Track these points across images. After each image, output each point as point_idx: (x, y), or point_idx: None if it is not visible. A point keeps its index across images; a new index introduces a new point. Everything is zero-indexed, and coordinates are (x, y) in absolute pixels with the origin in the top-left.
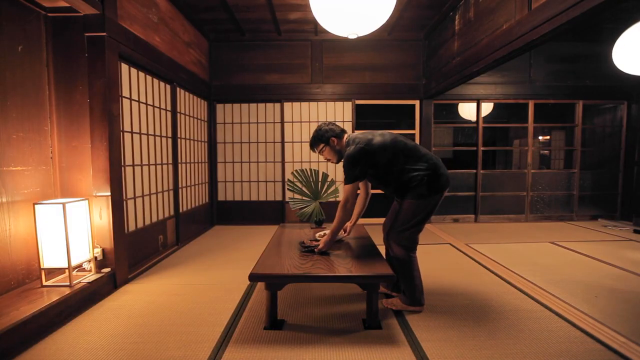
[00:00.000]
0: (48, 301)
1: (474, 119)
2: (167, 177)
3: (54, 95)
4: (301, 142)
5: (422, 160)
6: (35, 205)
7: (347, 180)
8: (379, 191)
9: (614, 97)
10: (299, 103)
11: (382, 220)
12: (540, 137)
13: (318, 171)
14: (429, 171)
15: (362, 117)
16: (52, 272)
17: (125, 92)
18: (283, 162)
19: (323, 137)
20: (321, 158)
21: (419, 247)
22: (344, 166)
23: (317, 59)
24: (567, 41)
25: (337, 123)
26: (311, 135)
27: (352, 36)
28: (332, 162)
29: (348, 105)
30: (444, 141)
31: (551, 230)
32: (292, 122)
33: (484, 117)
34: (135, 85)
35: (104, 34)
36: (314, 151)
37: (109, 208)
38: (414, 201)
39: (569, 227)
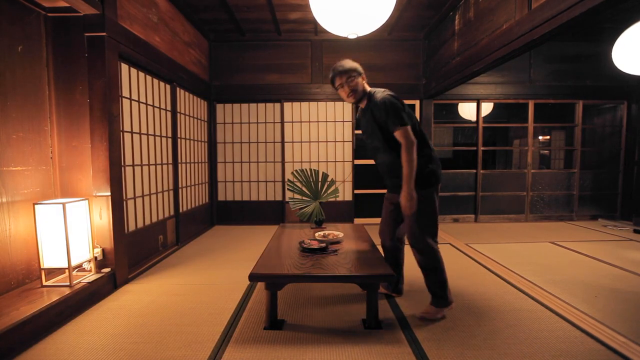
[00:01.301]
0: (48, 301)
1: (474, 119)
2: (167, 177)
3: (54, 95)
4: (301, 142)
5: (428, 146)
6: (35, 205)
7: (403, 120)
8: (379, 191)
9: (614, 97)
10: (299, 103)
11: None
12: (540, 137)
13: (318, 171)
14: (432, 159)
15: None
16: (52, 272)
17: (125, 92)
18: (283, 162)
19: (358, 69)
20: (321, 158)
21: None
22: (390, 109)
23: (317, 59)
24: (567, 41)
25: (336, 123)
26: (341, 64)
27: (352, 36)
28: (350, 99)
29: (348, 105)
30: (444, 141)
31: (551, 230)
32: (292, 122)
33: (484, 117)
34: (135, 85)
35: (104, 34)
36: (337, 80)
37: (109, 208)
38: (422, 192)
39: (569, 227)
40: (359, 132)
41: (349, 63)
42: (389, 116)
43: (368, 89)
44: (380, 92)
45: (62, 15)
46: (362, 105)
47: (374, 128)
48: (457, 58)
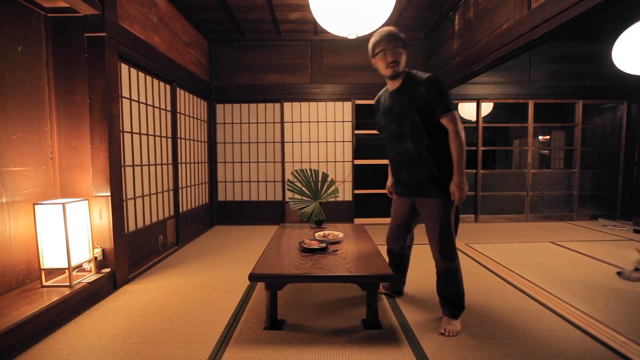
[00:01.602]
0: (48, 301)
1: (474, 118)
2: (167, 177)
3: (54, 96)
4: (301, 142)
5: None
6: (35, 206)
7: (452, 104)
8: (379, 191)
9: (614, 97)
10: (299, 103)
11: (382, 220)
12: (540, 137)
13: (318, 171)
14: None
15: (362, 117)
16: (52, 272)
17: (125, 93)
18: (283, 162)
19: (406, 42)
20: (321, 158)
21: (418, 247)
22: (441, 91)
23: (317, 59)
24: (567, 41)
25: (336, 123)
26: (391, 29)
27: (352, 36)
28: (388, 71)
29: (348, 105)
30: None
31: (551, 230)
32: (292, 122)
33: (484, 117)
34: (135, 86)
35: (104, 34)
36: (383, 44)
37: (109, 208)
38: (444, 200)
39: (569, 227)
40: (359, 132)
41: (398, 32)
42: (439, 98)
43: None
44: (424, 73)
45: (62, 15)
46: (393, 85)
47: (406, 111)
48: (457, 58)
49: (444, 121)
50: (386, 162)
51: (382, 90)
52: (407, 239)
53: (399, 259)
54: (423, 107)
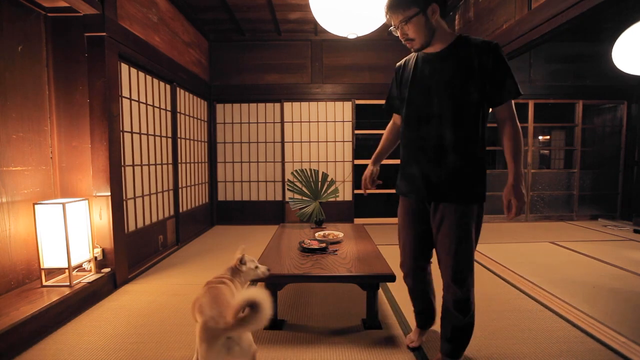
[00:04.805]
0: (48, 301)
1: None
2: (167, 177)
3: (54, 95)
4: (301, 142)
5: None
6: (35, 205)
7: (518, 87)
8: (379, 191)
9: (614, 97)
10: (299, 103)
11: (382, 220)
12: (540, 137)
13: (318, 171)
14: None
15: (362, 117)
16: (52, 272)
17: (125, 92)
18: (283, 162)
19: (418, 2)
20: (321, 158)
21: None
22: (508, 66)
23: (317, 59)
24: (567, 41)
25: (336, 123)
26: None
27: (352, 36)
28: (414, 45)
29: (348, 105)
30: None
31: (551, 230)
32: (292, 122)
33: None
34: (135, 85)
35: (104, 34)
36: (390, 19)
37: (109, 208)
38: (476, 207)
39: (569, 227)
40: (359, 132)
41: None
42: (509, 75)
43: (444, 27)
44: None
45: (62, 15)
46: (434, 47)
47: (452, 82)
48: None
49: (504, 107)
50: (386, 162)
51: (411, 54)
52: (427, 256)
53: (424, 288)
54: (479, 82)
